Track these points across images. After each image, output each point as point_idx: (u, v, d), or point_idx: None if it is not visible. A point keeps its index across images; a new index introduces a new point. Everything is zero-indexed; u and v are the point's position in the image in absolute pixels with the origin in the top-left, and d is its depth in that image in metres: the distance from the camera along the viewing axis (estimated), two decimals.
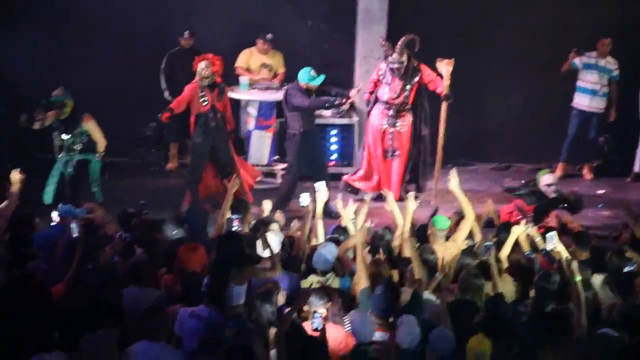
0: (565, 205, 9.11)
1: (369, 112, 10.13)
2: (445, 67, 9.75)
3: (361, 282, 6.25)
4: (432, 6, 11.55)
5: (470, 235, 7.43)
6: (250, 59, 11.17)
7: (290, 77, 11.06)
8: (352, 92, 9.64)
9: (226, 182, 9.27)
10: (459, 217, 7.71)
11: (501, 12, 11.68)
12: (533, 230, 7.19)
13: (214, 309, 5.69)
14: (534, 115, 11.70)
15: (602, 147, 11.72)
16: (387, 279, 6.24)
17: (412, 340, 5.54)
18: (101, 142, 9.34)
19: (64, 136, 9.13)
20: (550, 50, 11.45)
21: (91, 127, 9.24)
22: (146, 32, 11.08)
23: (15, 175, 6.99)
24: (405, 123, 10.02)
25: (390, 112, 9.95)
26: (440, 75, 9.79)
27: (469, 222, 7.35)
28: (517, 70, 11.67)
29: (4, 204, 6.98)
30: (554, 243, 6.79)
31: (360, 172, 10.27)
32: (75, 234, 6.77)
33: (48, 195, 9.13)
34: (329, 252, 6.59)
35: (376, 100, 10.05)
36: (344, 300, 6.20)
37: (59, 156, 9.21)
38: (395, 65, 9.71)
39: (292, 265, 6.77)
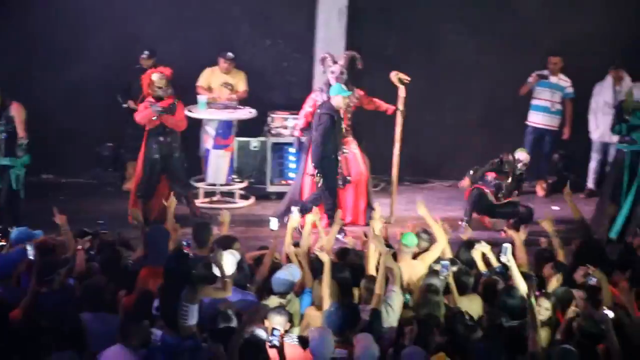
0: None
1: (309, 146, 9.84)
2: (398, 80, 9.89)
3: (325, 302, 6.28)
4: (391, 26, 11.67)
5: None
6: (212, 77, 11.14)
7: (250, 96, 11.16)
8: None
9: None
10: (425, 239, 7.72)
11: (458, 32, 11.86)
12: (488, 249, 7.26)
13: (167, 331, 5.69)
14: (491, 132, 11.86)
15: (556, 164, 11.92)
16: (349, 299, 6.35)
17: (370, 357, 5.58)
18: (22, 132, 8.95)
19: None
20: (509, 66, 11.66)
21: (17, 115, 8.94)
22: (104, 51, 11.02)
23: None
24: (352, 147, 9.95)
25: None
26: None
27: (440, 246, 7.41)
28: (474, 87, 11.84)
29: None
30: (507, 257, 6.74)
31: None
32: (31, 257, 6.74)
33: None
34: (290, 274, 6.60)
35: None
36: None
37: None
38: (337, 73, 9.67)
39: (248, 285, 6.78)
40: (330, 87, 9.72)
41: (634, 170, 9.51)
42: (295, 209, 7.85)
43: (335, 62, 9.84)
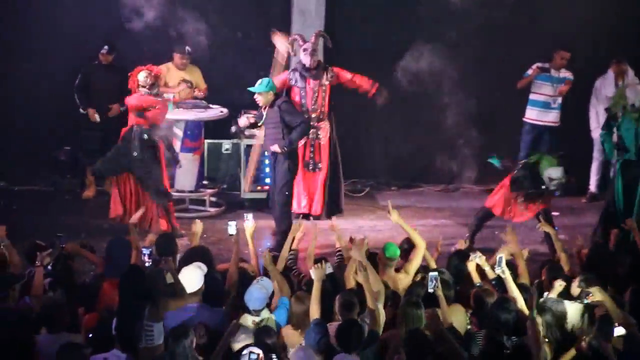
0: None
1: None
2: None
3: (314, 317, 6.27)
4: (373, 16, 11.70)
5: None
6: (168, 75, 10.99)
7: (221, 94, 11.10)
8: None
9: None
10: (408, 246, 7.77)
11: (446, 24, 11.84)
12: (482, 260, 7.23)
13: (130, 354, 5.65)
14: (485, 130, 11.83)
15: None
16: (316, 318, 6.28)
17: None
18: None
19: None
20: (505, 58, 11.63)
21: None
22: (60, 47, 10.96)
23: None
24: (325, 133, 10.22)
25: (311, 123, 10.06)
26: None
27: (420, 252, 7.45)
28: (467, 86, 11.81)
29: None
30: (502, 268, 6.80)
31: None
32: None
33: None
34: (264, 287, 6.54)
35: None
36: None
37: None
38: (310, 49, 9.96)
39: (219, 300, 6.76)
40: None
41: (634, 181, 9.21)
42: (249, 215, 7.83)
43: (305, 42, 10.03)
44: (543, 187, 9.25)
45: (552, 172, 9.31)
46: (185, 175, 10.67)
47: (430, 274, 6.66)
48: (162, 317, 5.69)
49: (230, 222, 7.66)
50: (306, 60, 10.06)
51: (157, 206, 9.50)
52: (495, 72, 11.63)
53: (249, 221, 7.71)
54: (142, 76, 9.49)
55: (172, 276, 6.32)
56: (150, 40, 11.12)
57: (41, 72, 11.06)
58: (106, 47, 10.85)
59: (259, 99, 9.53)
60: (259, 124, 9.85)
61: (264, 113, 9.58)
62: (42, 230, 8.86)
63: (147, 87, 9.47)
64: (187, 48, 10.89)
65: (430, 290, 6.56)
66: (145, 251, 6.86)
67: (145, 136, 9.44)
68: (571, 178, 9.27)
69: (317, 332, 5.98)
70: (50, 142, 11.34)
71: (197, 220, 7.99)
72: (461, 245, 8.38)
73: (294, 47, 10.22)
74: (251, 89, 9.54)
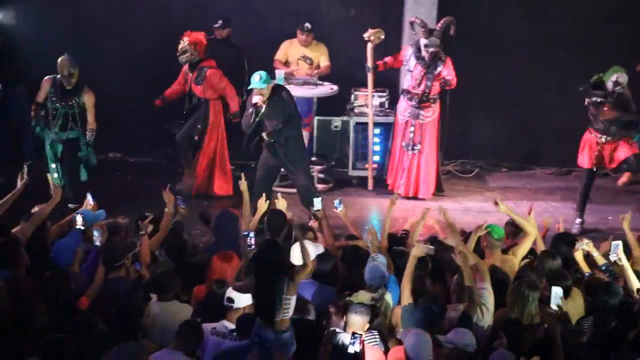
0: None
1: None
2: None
3: (404, 297, 6.26)
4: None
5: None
6: (290, 51, 11.23)
7: (332, 72, 11.18)
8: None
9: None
10: (513, 228, 7.75)
11: (559, 8, 11.63)
12: (590, 246, 7.09)
13: (264, 325, 5.71)
14: None
15: None
16: (433, 295, 6.33)
17: (467, 343, 5.64)
18: (92, 120, 9.50)
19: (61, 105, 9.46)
20: (619, 44, 11.36)
21: (88, 100, 9.48)
22: (178, 22, 11.10)
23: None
24: (430, 114, 10.26)
25: (413, 103, 10.20)
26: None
27: (531, 239, 7.39)
28: (580, 69, 11.57)
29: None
30: (617, 253, 6.67)
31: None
32: (97, 242, 6.83)
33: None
34: (382, 264, 6.54)
35: (402, 91, 10.39)
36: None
37: (48, 133, 9.51)
38: (431, 49, 9.98)
39: (329, 277, 6.79)
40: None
41: None
42: (336, 201, 7.92)
43: (426, 30, 9.97)
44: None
45: (619, 77, 9.27)
46: None
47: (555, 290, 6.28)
48: (297, 290, 5.76)
49: (315, 199, 7.85)
50: (425, 55, 10.10)
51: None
52: (613, 54, 11.34)
53: (338, 207, 7.82)
54: (181, 42, 9.81)
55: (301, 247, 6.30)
56: (272, 16, 11.32)
57: (157, 46, 11.24)
58: (220, 21, 11.00)
59: (261, 96, 9.04)
60: (260, 116, 9.20)
61: (263, 106, 9.11)
62: (155, 202, 9.04)
63: (179, 53, 9.80)
64: (307, 25, 11.02)
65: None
66: (251, 235, 6.81)
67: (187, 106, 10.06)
68: None
69: (421, 312, 6.01)
70: (164, 115, 11.38)
71: (279, 195, 8.10)
72: (562, 228, 8.28)
73: (413, 29, 10.24)
74: (251, 85, 9.09)
